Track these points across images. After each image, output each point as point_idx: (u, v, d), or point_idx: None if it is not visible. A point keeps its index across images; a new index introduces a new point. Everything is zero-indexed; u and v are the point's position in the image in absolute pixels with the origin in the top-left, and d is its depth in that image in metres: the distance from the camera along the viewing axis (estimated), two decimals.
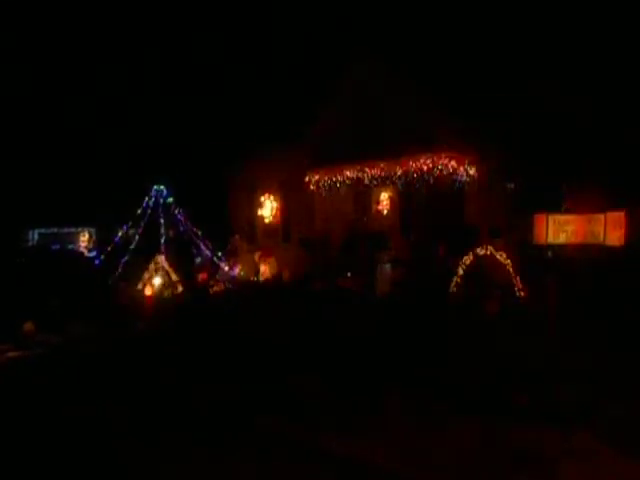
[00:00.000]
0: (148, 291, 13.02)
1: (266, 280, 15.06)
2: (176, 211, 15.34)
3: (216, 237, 17.51)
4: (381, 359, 7.49)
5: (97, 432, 5.41)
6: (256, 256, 15.88)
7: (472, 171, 13.28)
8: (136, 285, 13.74)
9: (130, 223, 15.38)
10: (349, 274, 13.77)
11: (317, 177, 15.41)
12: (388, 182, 14.54)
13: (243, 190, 18.03)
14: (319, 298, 11.83)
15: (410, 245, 14.33)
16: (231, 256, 16.05)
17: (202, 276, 14.78)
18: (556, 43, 13.61)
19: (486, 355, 7.29)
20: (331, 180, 15.19)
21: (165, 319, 10.84)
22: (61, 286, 12.36)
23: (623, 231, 12.07)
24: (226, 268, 15.53)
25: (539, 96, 12.60)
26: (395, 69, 14.15)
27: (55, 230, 22.74)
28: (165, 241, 14.69)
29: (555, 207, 13.71)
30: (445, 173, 13.08)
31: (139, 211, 15.02)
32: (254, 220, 18.02)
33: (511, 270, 11.83)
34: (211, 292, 13.75)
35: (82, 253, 21.08)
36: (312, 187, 15.67)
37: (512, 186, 14.30)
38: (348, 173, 14.79)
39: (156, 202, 15.04)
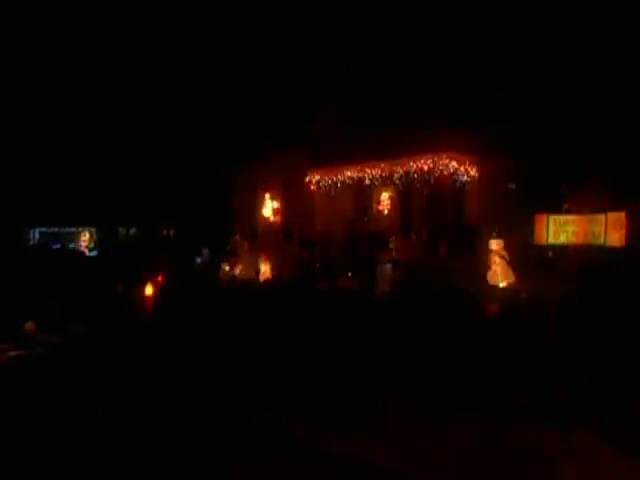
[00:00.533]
0: (149, 291, 13.01)
1: (267, 280, 15.05)
2: None
3: (217, 237, 17.54)
4: (381, 359, 7.49)
5: (97, 432, 5.41)
6: (257, 256, 15.87)
7: (473, 171, 13.29)
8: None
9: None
10: (350, 274, 13.77)
11: (318, 177, 15.43)
12: (389, 182, 14.56)
13: (244, 190, 18.04)
14: (319, 298, 11.82)
15: (411, 245, 14.34)
16: (232, 256, 16.05)
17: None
18: (556, 43, 13.61)
19: (486, 355, 7.28)
20: (332, 180, 15.21)
21: (165, 319, 10.83)
22: (62, 285, 12.37)
23: (624, 232, 12.07)
24: (227, 268, 15.54)
25: (539, 96, 12.60)
26: (395, 69, 14.16)
27: (56, 229, 22.79)
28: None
29: (556, 207, 13.71)
30: (446, 173, 13.09)
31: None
32: (255, 220, 18.03)
33: (511, 270, 11.84)
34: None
35: (83, 252, 21.11)
36: (313, 187, 15.70)
37: (513, 186, 14.31)
38: (349, 173, 14.81)
39: None
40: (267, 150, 16.64)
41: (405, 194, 14.93)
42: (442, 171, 13.04)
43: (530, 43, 13.84)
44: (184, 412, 5.88)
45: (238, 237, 16.59)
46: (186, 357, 8.07)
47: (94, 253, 21.94)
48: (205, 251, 16.98)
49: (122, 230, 24.31)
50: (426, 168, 13.18)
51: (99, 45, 23.45)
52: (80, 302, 11.35)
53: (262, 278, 15.26)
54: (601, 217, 12.64)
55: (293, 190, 16.54)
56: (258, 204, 17.94)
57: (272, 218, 17.73)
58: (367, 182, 14.71)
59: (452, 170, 13.04)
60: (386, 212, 15.85)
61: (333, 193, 15.50)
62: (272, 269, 15.61)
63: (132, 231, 24.52)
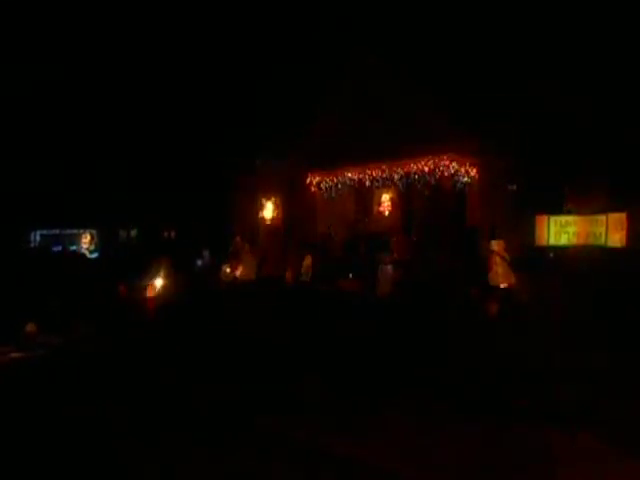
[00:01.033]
0: (149, 292, 13.00)
1: (267, 281, 15.05)
2: None
3: (218, 239, 17.54)
4: (381, 359, 7.49)
5: (97, 432, 5.42)
6: (257, 257, 15.88)
7: (473, 172, 13.29)
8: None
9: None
10: (350, 275, 13.77)
11: (318, 178, 15.44)
12: (389, 183, 14.57)
13: (244, 192, 18.05)
14: (320, 299, 11.83)
15: (411, 246, 14.34)
16: (232, 257, 16.04)
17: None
18: (556, 43, 13.61)
19: (486, 355, 7.28)
20: (332, 181, 15.22)
21: (165, 320, 10.84)
22: (63, 287, 12.37)
23: (624, 232, 12.07)
24: (227, 269, 15.53)
25: (539, 96, 12.60)
26: (395, 69, 14.17)
27: (57, 231, 22.77)
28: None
29: (556, 208, 13.70)
30: (446, 174, 13.09)
31: None
32: (255, 222, 18.04)
33: (512, 271, 11.83)
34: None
35: (84, 254, 21.11)
36: (313, 188, 15.70)
37: (513, 187, 14.30)
38: (349, 174, 14.82)
39: None
40: (267, 151, 16.67)
41: (406, 195, 14.93)
42: (442, 172, 13.04)
43: (530, 43, 13.84)
44: (184, 412, 5.88)
45: (239, 238, 16.58)
46: (186, 357, 8.08)
47: (95, 255, 21.94)
48: (206, 252, 16.98)
49: (123, 232, 24.31)
50: (427, 169, 13.18)
51: (98, 45, 23.46)
52: (81, 303, 11.36)
53: (262, 279, 15.26)
54: (602, 218, 12.65)
55: (294, 191, 16.54)
56: (259, 205, 17.95)
57: (273, 219, 17.74)
58: (368, 183, 14.71)
59: (452, 171, 13.04)
60: (387, 213, 15.87)
61: (334, 194, 15.50)
62: (273, 270, 15.61)
63: (133, 233, 24.53)
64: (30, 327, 9.43)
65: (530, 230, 13.78)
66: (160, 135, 23.39)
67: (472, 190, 13.54)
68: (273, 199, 17.67)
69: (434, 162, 13.08)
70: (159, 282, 13.65)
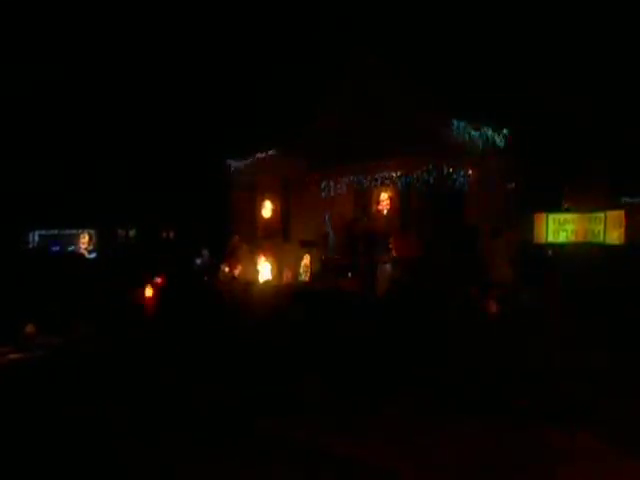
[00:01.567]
0: (148, 292, 13.01)
1: (266, 281, 15.06)
2: None
3: (216, 238, 17.53)
4: (381, 359, 7.50)
5: (97, 432, 5.41)
6: (256, 257, 15.87)
7: (472, 171, 13.27)
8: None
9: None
10: (349, 274, 13.77)
11: (317, 177, 15.42)
12: (388, 182, 14.55)
13: (243, 191, 18.02)
14: (319, 298, 11.83)
15: (410, 245, 14.33)
16: (231, 257, 16.04)
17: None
18: (556, 43, 13.62)
19: (486, 355, 7.29)
20: (331, 180, 15.20)
21: (165, 320, 10.85)
22: (61, 288, 12.37)
23: (623, 230, 12.10)
24: (226, 269, 15.53)
25: (539, 96, 12.61)
26: (395, 69, 14.16)
27: (55, 232, 22.74)
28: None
29: (555, 206, 13.72)
30: (445, 173, 13.08)
31: None
32: (254, 221, 18.02)
33: (511, 269, 11.84)
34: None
35: (82, 254, 21.09)
36: (312, 187, 15.68)
37: (512, 185, 14.29)
38: (348, 173, 14.81)
39: None
40: (267, 150, 16.64)
41: (404, 194, 14.92)
42: (441, 171, 13.04)
43: (530, 43, 13.85)
44: (184, 412, 5.88)
45: (237, 238, 16.58)
46: (186, 357, 8.08)
47: (94, 255, 21.92)
48: (204, 252, 16.97)
49: (121, 232, 24.29)
50: (425, 168, 13.18)
51: (98, 45, 23.44)
52: (80, 304, 11.36)
53: (261, 279, 15.26)
54: (600, 215, 12.68)
55: (292, 190, 16.53)
56: (257, 205, 17.93)
57: (271, 219, 17.72)
58: (366, 182, 14.70)
59: (451, 170, 13.03)
60: (385, 212, 15.85)
61: (332, 193, 15.49)
62: (272, 270, 15.62)
63: (132, 233, 24.50)
64: (29, 328, 9.43)
65: (529, 228, 13.79)
66: (159, 135, 23.37)
67: (471, 188, 13.52)
68: (272, 198, 17.65)
69: (433, 161, 13.07)
70: (158, 282, 13.68)
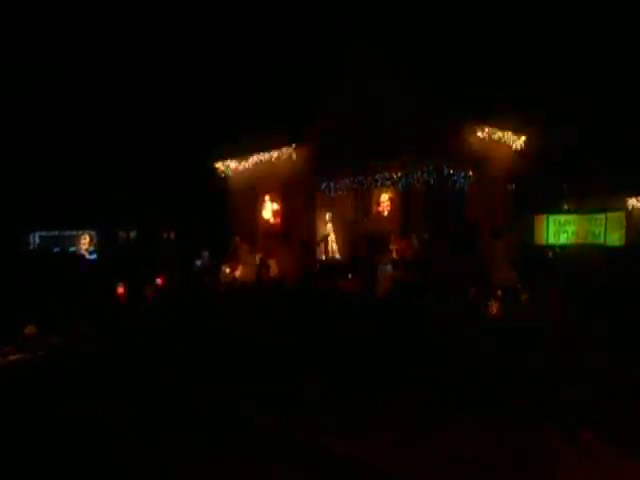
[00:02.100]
0: (149, 293, 13.02)
1: (267, 282, 15.04)
2: None
3: (217, 239, 17.53)
4: (381, 359, 7.49)
5: (97, 432, 5.42)
6: (257, 258, 15.87)
7: (472, 172, 13.27)
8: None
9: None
10: (350, 275, 13.76)
11: (317, 178, 15.42)
12: (388, 183, 14.55)
13: (243, 192, 18.03)
14: (319, 299, 11.82)
15: (411, 246, 14.33)
16: (232, 258, 16.04)
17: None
18: (556, 43, 13.63)
19: (486, 355, 7.28)
20: (331, 181, 15.20)
21: (165, 320, 10.84)
22: (62, 289, 12.37)
23: (623, 231, 12.12)
24: (227, 270, 15.53)
25: (539, 96, 12.63)
26: (395, 69, 14.16)
27: (56, 233, 22.77)
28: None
29: (556, 208, 13.73)
30: (446, 174, 13.08)
31: None
32: (255, 222, 18.02)
33: (512, 270, 11.84)
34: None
35: (83, 256, 21.11)
36: (313, 189, 15.68)
37: (513, 187, 14.31)
38: (348, 174, 14.80)
39: None
40: (267, 151, 16.65)
41: (405, 195, 14.92)
42: (442, 171, 13.03)
43: (530, 43, 13.87)
44: (184, 412, 5.88)
45: (238, 239, 16.58)
46: (186, 357, 8.08)
47: (94, 256, 21.93)
48: (205, 253, 16.97)
49: (122, 233, 24.31)
50: (426, 169, 13.17)
51: (98, 46, 23.46)
52: (80, 304, 11.37)
53: (262, 280, 15.25)
54: (601, 217, 12.69)
55: (293, 191, 16.52)
56: (258, 206, 17.93)
57: (272, 220, 17.72)
58: (367, 183, 14.70)
59: (452, 171, 13.03)
60: (386, 213, 15.85)
61: (333, 194, 15.49)
62: (272, 271, 15.61)
63: (132, 234, 24.53)
64: (30, 329, 9.43)
65: (529, 229, 13.81)
66: (159, 136, 23.39)
67: (471, 190, 13.52)
68: (272, 199, 17.66)
69: (433, 162, 13.07)
70: (159, 282, 13.69)
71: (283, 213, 17.44)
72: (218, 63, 22.43)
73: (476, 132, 13.41)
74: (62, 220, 22.72)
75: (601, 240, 12.69)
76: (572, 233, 13.25)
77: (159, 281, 13.83)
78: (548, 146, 12.84)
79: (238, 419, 5.66)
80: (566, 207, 14.50)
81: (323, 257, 15.83)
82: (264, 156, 16.90)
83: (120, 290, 12.58)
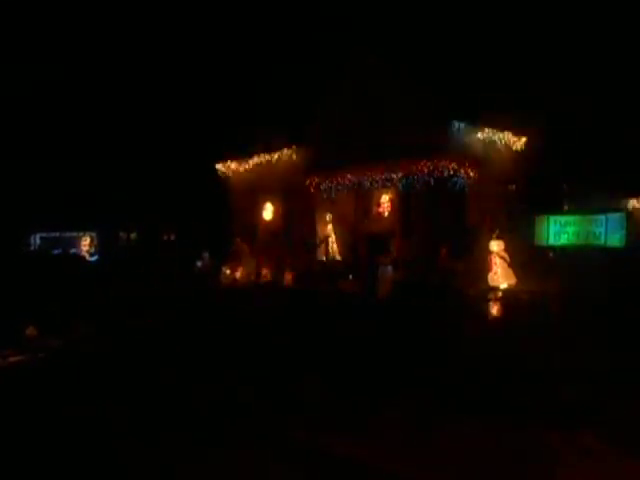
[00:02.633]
0: (150, 293, 13.03)
1: (267, 283, 15.07)
2: None
3: (217, 240, 17.56)
4: (381, 359, 7.49)
5: (97, 432, 5.41)
6: (257, 259, 15.89)
7: (473, 172, 13.27)
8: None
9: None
10: (350, 276, 13.77)
11: (317, 180, 15.43)
12: (389, 184, 14.56)
13: (244, 193, 18.05)
14: (320, 299, 11.84)
15: (411, 247, 14.34)
16: (232, 259, 16.06)
17: None
18: (556, 43, 13.64)
19: (486, 355, 7.28)
20: (332, 182, 15.21)
21: (166, 321, 10.85)
22: (62, 290, 12.39)
23: (624, 232, 12.11)
24: (227, 271, 15.55)
25: (539, 96, 12.63)
26: (395, 69, 14.17)
27: (57, 235, 22.80)
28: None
29: (556, 208, 13.72)
30: (446, 174, 13.08)
31: None
32: (255, 223, 18.04)
33: (512, 271, 11.84)
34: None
35: (84, 257, 21.12)
36: (313, 190, 15.69)
37: (513, 187, 14.31)
38: (348, 175, 14.82)
39: None
40: (267, 153, 16.68)
41: (405, 196, 14.93)
42: (442, 172, 13.04)
43: (530, 43, 13.87)
44: (184, 412, 5.88)
45: (238, 240, 16.60)
46: (186, 357, 8.08)
47: (95, 258, 21.95)
48: (205, 254, 16.99)
49: (123, 234, 24.33)
50: (426, 170, 13.17)
51: (99, 46, 23.49)
52: (80, 305, 11.38)
53: (263, 281, 15.27)
54: (601, 218, 12.68)
55: (294, 193, 16.54)
56: (258, 207, 17.95)
57: (273, 221, 17.74)
58: (367, 184, 14.72)
59: (452, 171, 13.03)
60: (386, 214, 15.87)
61: (333, 195, 15.50)
62: (273, 272, 15.62)
63: (133, 235, 24.54)
64: (30, 330, 9.44)
65: (530, 230, 13.80)
66: (160, 138, 23.41)
67: (472, 190, 13.52)
68: (273, 200, 17.67)
69: (433, 162, 13.07)
70: (160, 283, 13.68)
71: (283, 214, 17.45)
72: (219, 64, 22.45)
73: (476, 133, 13.43)
74: (63, 221, 22.75)
75: (601, 241, 12.68)
76: (572, 234, 13.24)
77: (161, 281, 13.77)
78: (549, 147, 12.84)
79: (238, 419, 5.66)
80: (566, 208, 14.49)
81: (324, 258, 15.84)
82: (264, 157, 16.94)
83: None
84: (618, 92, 12.44)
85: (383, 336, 8.55)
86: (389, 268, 12.84)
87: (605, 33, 13.09)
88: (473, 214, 13.85)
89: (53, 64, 22.99)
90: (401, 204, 15.33)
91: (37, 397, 6.53)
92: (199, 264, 16.99)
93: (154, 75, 23.65)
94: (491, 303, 10.68)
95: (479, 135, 13.60)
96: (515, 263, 11.82)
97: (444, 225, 13.85)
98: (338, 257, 16.23)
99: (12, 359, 8.48)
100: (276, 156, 16.64)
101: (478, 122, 13.29)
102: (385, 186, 14.90)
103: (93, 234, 22.89)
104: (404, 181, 13.93)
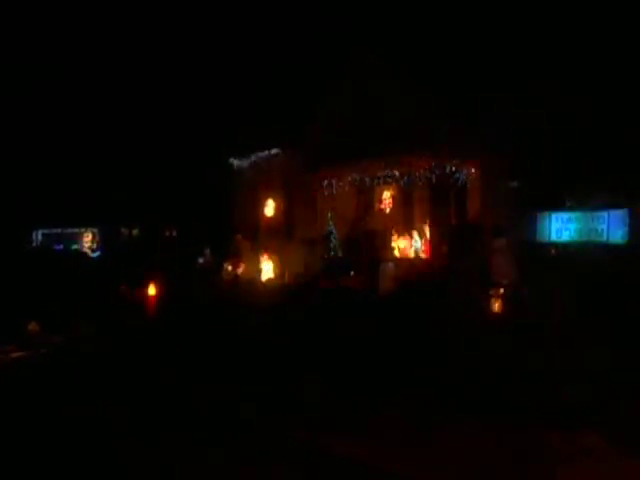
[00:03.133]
0: (151, 291, 13.02)
1: (269, 279, 15.06)
2: None
3: (219, 237, 17.55)
4: (381, 358, 7.49)
5: (97, 432, 5.43)
6: (259, 255, 15.88)
7: (474, 169, 13.23)
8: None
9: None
10: (352, 273, 13.76)
11: (319, 176, 15.41)
12: (390, 181, 14.54)
13: (245, 189, 18.04)
14: (321, 297, 11.82)
15: (412, 244, 14.32)
16: (234, 256, 16.05)
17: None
18: (556, 43, 13.58)
19: (487, 354, 7.26)
20: (333, 179, 15.19)
21: (166, 319, 10.86)
22: (64, 286, 12.39)
23: (626, 229, 12.07)
24: (229, 268, 15.53)
25: (539, 96, 12.59)
26: (395, 69, 14.12)
27: (58, 231, 22.79)
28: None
29: (558, 205, 13.68)
30: (447, 172, 13.05)
31: None
32: (257, 220, 18.03)
33: (514, 268, 11.80)
34: None
35: (85, 253, 21.13)
36: (314, 186, 15.68)
37: (515, 184, 14.27)
38: (350, 172, 14.80)
39: None
40: (269, 149, 16.65)
41: (407, 193, 14.91)
42: (444, 169, 13.00)
43: (530, 43, 13.82)
44: (184, 412, 5.89)
45: (240, 237, 16.59)
46: (186, 357, 8.09)
47: (97, 254, 21.96)
48: (207, 251, 16.97)
49: (125, 231, 24.34)
50: (427, 166, 13.15)
51: (100, 45, 23.46)
52: (82, 302, 11.38)
53: (264, 277, 15.26)
54: (604, 215, 12.65)
55: (295, 189, 16.51)
56: (260, 204, 17.94)
57: (274, 217, 17.72)
58: (368, 181, 14.69)
59: (453, 168, 12.99)
60: (388, 211, 15.85)
61: (334, 192, 15.48)
62: (274, 268, 15.61)
63: (135, 231, 24.56)
64: (32, 326, 9.45)
65: (532, 227, 13.76)
66: (161, 133, 23.39)
67: (473, 187, 13.49)
68: (274, 197, 17.65)
69: (435, 160, 13.04)
70: (161, 281, 13.69)
71: (285, 211, 17.44)
72: (219, 63, 22.41)
73: (475, 129, 13.36)
74: (65, 217, 22.75)
75: (604, 238, 12.65)
76: (575, 230, 13.21)
77: (161, 279, 13.79)
78: (550, 143, 12.81)
79: (238, 419, 5.67)
80: (569, 204, 14.45)
81: (325, 255, 15.81)
82: (266, 154, 16.91)
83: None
84: (618, 92, 12.41)
85: (384, 334, 8.54)
86: (390, 265, 12.83)
87: (605, 33, 13.04)
88: (475, 211, 13.82)
89: (54, 63, 22.99)
90: (403, 201, 15.31)
91: (38, 395, 6.55)
92: (201, 260, 16.99)
93: (155, 74, 23.63)
94: (492, 300, 10.65)
95: (478, 132, 13.56)
96: (517, 260, 11.79)
97: (445, 222, 13.83)
98: (340, 253, 16.22)
99: (14, 355, 8.50)
100: (278, 153, 16.62)
101: (477, 119, 13.24)
102: (386, 183, 14.88)
103: (95, 230, 22.90)
104: (405, 178, 13.91)
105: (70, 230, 22.84)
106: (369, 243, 14.95)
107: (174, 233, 24.14)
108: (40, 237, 22.68)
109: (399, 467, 4.55)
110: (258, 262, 15.57)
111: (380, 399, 6.08)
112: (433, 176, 13.32)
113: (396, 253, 14.34)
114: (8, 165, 22.31)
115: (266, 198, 17.82)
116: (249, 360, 7.67)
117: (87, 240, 22.73)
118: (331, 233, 16.27)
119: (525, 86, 12.87)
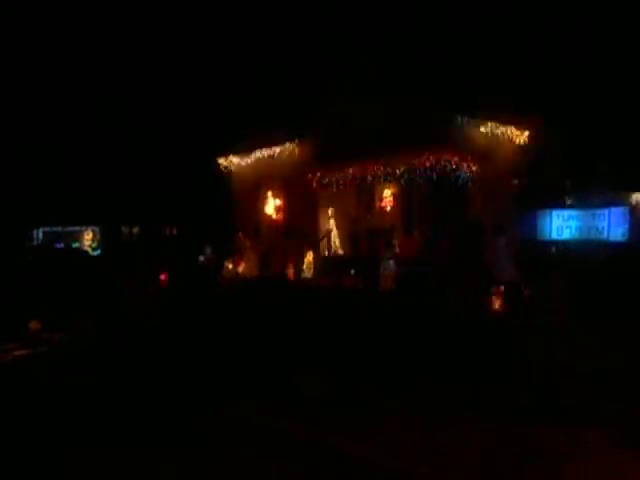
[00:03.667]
0: (152, 289, 13.04)
1: (269, 277, 15.06)
2: None
3: (220, 235, 17.55)
4: (384, 358, 7.49)
5: (97, 432, 5.43)
6: (259, 254, 15.88)
7: (475, 167, 13.22)
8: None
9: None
10: (352, 271, 13.75)
11: (320, 174, 15.39)
12: (391, 179, 14.51)
13: (246, 188, 18.03)
14: (322, 295, 11.82)
15: (413, 242, 14.29)
16: (235, 254, 16.06)
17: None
18: (555, 43, 13.58)
19: (489, 353, 7.27)
20: (334, 177, 15.17)
21: (168, 317, 10.86)
22: (65, 284, 12.39)
23: (627, 226, 12.07)
24: (230, 266, 15.54)
25: (539, 95, 12.59)
26: (395, 68, 14.12)
27: (59, 229, 22.80)
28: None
29: (559, 203, 13.67)
30: (448, 170, 13.02)
31: None
32: (257, 218, 18.03)
33: (514, 266, 11.80)
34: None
35: (86, 251, 21.14)
36: (315, 184, 15.66)
37: (516, 182, 14.27)
38: (350, 170, 14.77)
39: None
40: (269, 147, 16.63)
41: (408, 191, 14.88)
42: (444, 167, 12.98)
43: (530, 43, 13.82)
44: (184, 411, 5.90)
45: (241, 235, 16.59)
46: (186, 355, 8.08)
47: (98, 252, 21.97)
48: (208, 249, 16.99)
49: (125, 229, 24.35)
50: (428, 164, 13.12)
51: (99, 43, 23.44)
52: (84, 300, 11.38)
53: (265, 275, 15.26)
54: (604, 212, 12.65)
55: (296, 187, 16.49)
56: (260, 201, 17.93)
57: (274, 215, 17.71)
58: (369, 179, 14.67)
59: (454, 166, 12.97)
60: (388, 209, 15.82)
61: (335, 190, 15.46)
62: (275, 266, 15.61)
63: (135, 230, 24.56)
64: (34, 324, 9.42)
65: (533, 225, 13.75)
66: (162, 132, 23.39)
67: (474, 185, 13.48)
68: (275, 195, 17.65)
69: (435, 158, 13.02)
70: (162, 279, 13.70)
71: (285, 209, 17.43)
72: (220, 62, 22.39)
73: (479, 127, 13.37)
74: (66, 216, 22.76)
75: (604, 235, 12.65)
76: (575, 228, 13.20)
77: (162, 278, 13.84)
78: (551, 141, 12.80)
79: (238, 418, 5.68)
80: (569, 202, 14.45)
81: (326, 253, 15.81)
82: (266, 152, 16.90)
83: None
84: (618, 92, 12.41)
85: (386, 333, 8.54)
86: (391, 263, 12.81)
87: (605, 33, 13.04)
88: (476, 209, 13.81)
89: (55, 62, 22.98)
90: (404, 199, 15.29)
91: (39, 394, 6.55)
92: (202, 258, 17.00)
93: (156, 72, 23.61)
94: (493, 298, 10.64)
95: (482, 129, 13.55)
96: (518, 258, 11.79)
97: (447, 220, 13.81)
98: (340, 252, 16.20)
99: (16, 353, 8.49)
100: (278, 150, 16.60)
101: (480, 115, 13.23)
102: (387, 180, 14.85)
103: (96, 228, 22.90)
104: (406, 175, 13.88)
105: (71, 228, 22.85)
106: (370, 241, 14.94)
107: (175, 231, 24.15)
108: (41, 235, 22.68)
109: (400, 464, 4.57)
110: (259, 260, 15.57)
111: (381, 398, 6.10)
112: (434, 174, 13.30)
113: (397, 251, 14.32)
114: (9, 163, 22.30)
115: (267, 196, 17.83)
116: (250, 357, 7.69)
117: (88, 238, 22.74)
118: (331, 231, 16.27)
119: (525, 86, 12.87)
